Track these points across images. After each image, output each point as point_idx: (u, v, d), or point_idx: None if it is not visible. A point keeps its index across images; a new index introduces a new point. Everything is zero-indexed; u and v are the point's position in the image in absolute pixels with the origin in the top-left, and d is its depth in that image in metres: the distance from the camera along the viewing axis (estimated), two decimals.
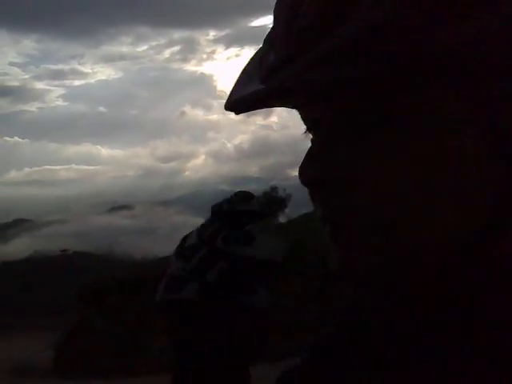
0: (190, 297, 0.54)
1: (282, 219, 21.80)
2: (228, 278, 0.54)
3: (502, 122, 0.39)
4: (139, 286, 11.61)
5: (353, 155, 0.41)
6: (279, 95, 0.42)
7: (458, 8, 0.37)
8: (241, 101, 0.44)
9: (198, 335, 0.55)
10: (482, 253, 0.41)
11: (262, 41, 0.47)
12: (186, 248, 0.58)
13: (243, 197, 0.60)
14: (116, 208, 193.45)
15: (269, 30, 0.46)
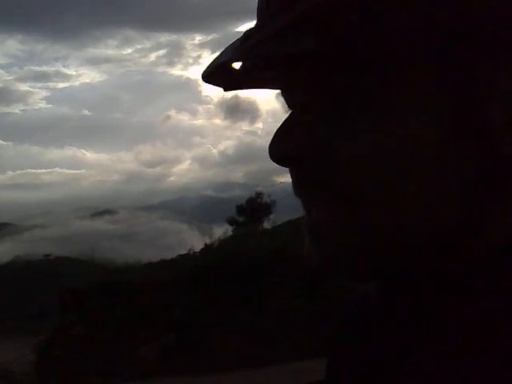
0: None
1: (267, 225, 21.82)
2: None
3: (484, 110, 0.39)
4: (121, 291, 11.51)
5: (329, 131, 0.41)
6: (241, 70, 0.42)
7: None
8: (208, 72, 0.45)
9: None
10: (464, 243, 0.42)
11: None
12: None
13: None
14: (99, 213, 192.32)
15: None
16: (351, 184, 0.41)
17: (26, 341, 11.90)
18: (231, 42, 0.43)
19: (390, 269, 0.43)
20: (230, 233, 19.32)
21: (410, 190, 0.40)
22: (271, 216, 22.57)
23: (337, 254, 0.43)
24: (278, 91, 0.47)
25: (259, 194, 23.05)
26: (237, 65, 0.42)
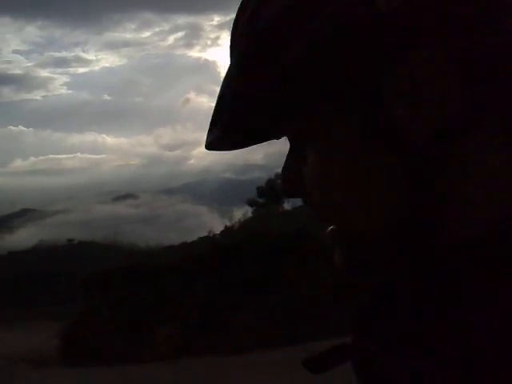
0: None
1: (287, 206, 21.77)
2: None
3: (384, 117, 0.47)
4: (144, 273, 11.61)
5: (300, 163, 0.53)
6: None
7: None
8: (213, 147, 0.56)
9: None
10: (420, 243, 0.49)
11: None
12: None
13: None
14: (120, 197, 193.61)
15: None
16: (315, 196, 0.52)
17: (51, 325, 12.08)
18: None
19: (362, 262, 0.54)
20: (249, 214, 19.33)
21: (347, 199, 0.50)
22: None
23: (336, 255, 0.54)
24: None
25: (279, 175, 22.96)
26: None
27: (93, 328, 10.73)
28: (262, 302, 9.54)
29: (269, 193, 22.59)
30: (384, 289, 0.53)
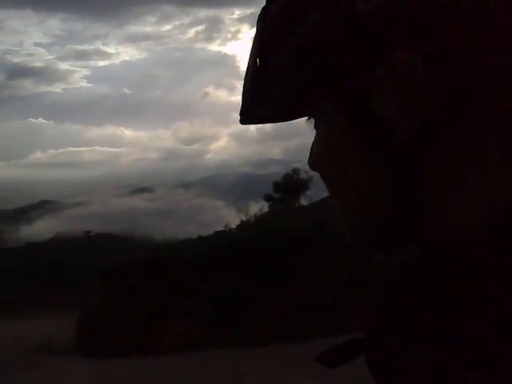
0: None
1: (304, 202, 21.71)
2: None
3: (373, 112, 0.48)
4: (161, 266, 11.67)
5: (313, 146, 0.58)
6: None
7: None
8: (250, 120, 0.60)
9: None
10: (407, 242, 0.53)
11: None
12: None
13: None
14: (137, 190, 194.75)
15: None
16: (323, 180, 0.56)
17: (68, 315, 12.19)
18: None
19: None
20: (266, 209, 19.31)
21: (338, 188, 0.54)
22: (308, 192, 22.45)
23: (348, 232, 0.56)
24: None
25: (296, 171, 22.90)
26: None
27: (108, 319, 10.81)
28: (278, 296, 9.54)
29: (285, 188, 22.54)
30: (396, 277, 0.54)
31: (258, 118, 0.58)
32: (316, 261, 10.18)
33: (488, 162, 0.46)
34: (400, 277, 0.53)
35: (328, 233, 10.40)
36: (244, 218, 16.42)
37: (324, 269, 9.92)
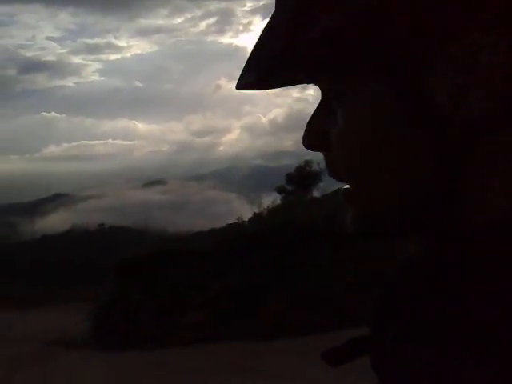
0: None
1: (316, 194, 21.63)
2: None
3: (424, 88, 0.45)
4: (174, 259, 11.70)
5: (329, 122, 0.52)
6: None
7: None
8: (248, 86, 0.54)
9: None
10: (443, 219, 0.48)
11: None
12: None
13: None
14: (150, 183, 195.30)
15: None
16: (341, 161, 0.51)
17: (83, 307, 12.26)
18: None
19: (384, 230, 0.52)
20: (278, 201, 19.28)
21: (369, 167, 0.49)
22: (320, 184, 22.37)
23: (349, 216, 0.52)
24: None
25: (308, 162, 22.80)
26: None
27: (123, 312, 10.87)
28: (291, 288, 9.53)
29: (298, 180, 22.48)
30: (398, 274, 0.53)
31: (285, 79, 0.54)
32: (329, 253, 10.15)
33: None
34: (400, 277, 0.52)
35: (340, 225, 10.35)
36: (257, 211, 16.41)
37: (337, 262, 9.89)
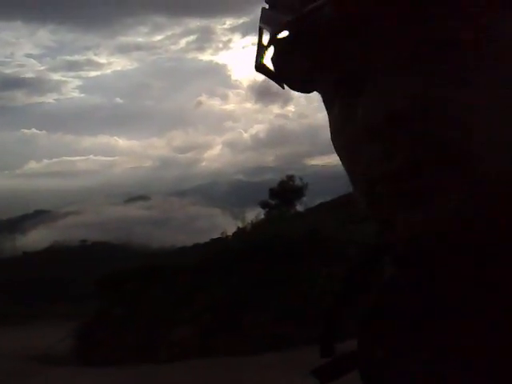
0: None
1: (300, 208, 21.76)
2: None
3: None
4: (157, 274, 11.69)
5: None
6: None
7: None
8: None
9: None
10: None
11: None
12: None
13: None
14: (132, 199, 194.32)
15: None
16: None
17: (66, 325, 12.17)
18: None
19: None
20: (262, 216, 19.34)
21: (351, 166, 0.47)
22: (303, 199, 22.52)
23: (402, 228, 0.43)
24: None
25: (291, 177, 22.97)
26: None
27: (107, 328, 10.82)
28: (276, 303, 9.57)
29: (281, 194, 22.60)
30: (388, 289, 0.52)
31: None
32: (313, 267, 10.22)
33: None
34: (386, 290, 0.51)
35: (323, 238, 10.44)
36: (241, 225, 16.45)
37: (321, 275, 9.96)
